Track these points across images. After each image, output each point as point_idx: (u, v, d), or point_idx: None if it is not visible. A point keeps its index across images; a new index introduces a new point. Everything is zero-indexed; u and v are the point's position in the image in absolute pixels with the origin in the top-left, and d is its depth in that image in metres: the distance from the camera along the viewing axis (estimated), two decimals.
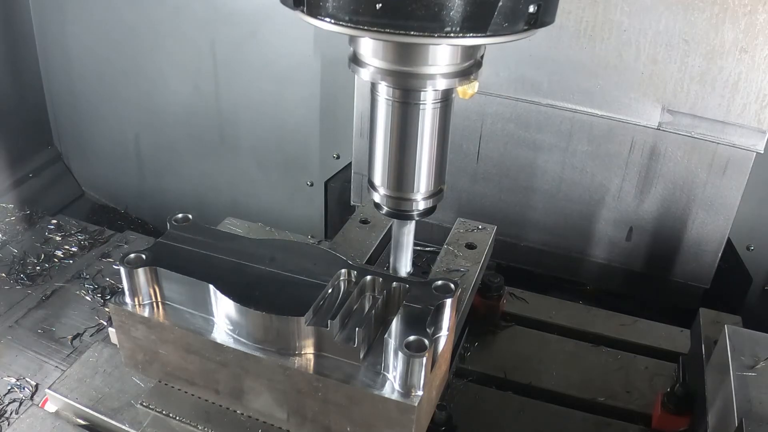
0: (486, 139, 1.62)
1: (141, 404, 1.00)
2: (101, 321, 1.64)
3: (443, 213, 1.68)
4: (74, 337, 1.58)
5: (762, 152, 1.41)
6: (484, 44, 0.77)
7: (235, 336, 0.91)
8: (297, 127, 2.05)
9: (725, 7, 1.30)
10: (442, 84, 0.78)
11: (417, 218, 0.92)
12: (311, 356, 0.88)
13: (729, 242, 1.57)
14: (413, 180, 0.87)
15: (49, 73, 2.35)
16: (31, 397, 1.43)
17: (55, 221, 2.03)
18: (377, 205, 0.93)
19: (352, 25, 0.68)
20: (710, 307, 1.26)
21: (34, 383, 1.46)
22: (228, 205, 2.29)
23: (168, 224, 1.04)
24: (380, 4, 0.65)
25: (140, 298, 0.96)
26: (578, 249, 1.67)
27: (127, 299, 0.96)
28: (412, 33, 0.67)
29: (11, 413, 1.40)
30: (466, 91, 0.81)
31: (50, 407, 1.15)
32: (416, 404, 0.81)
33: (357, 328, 0.84)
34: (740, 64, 1.34)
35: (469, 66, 0.79)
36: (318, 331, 0.86)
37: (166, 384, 1.02)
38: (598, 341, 1.33)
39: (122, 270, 0.93)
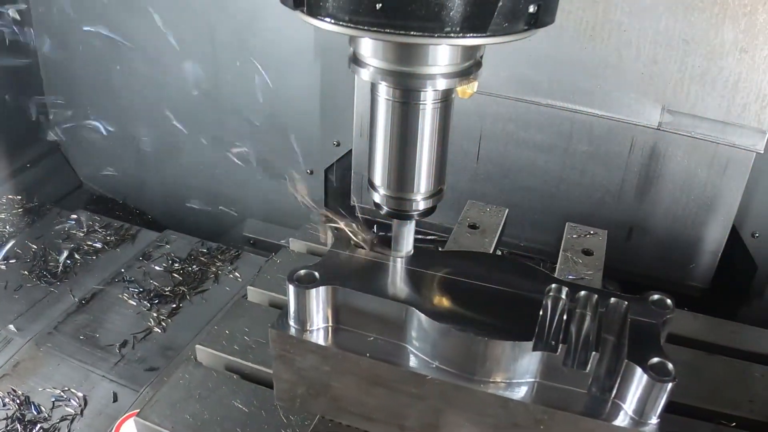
0: (486, 139, 1.62)
1: None
2: (149, 323, 1.54)
3: (443, 213, 1.68)
4: (122, 345, 1.49)
5: (762, 152, 1.41)
6: (484, 44, 0.77)
7: (435, 364, 0.80)
8: (297, 114, 2.04)
9: (725, 7, 1.30)
10: (442, 84, 0.78)
11: (417, 218, 0.92)
12: (530, 384, 0.78)
13: (734, 229, 1.57)
14: (413, 180, 0.87)
15: (47, 63, 2.34)
16: (81, 412, 1.32)
17: (74, 216, 1.96)
18: (377, 205, 0.93)
19: (352, 26, 0.68)
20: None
21: (81, 395, 1.36)
22: (227, 194, 2.29)
23: (329, 234, 0.92)
24: (380, 4, 0.65)
25: (310, 323, 0.83)
26: None
27: (292, 323, 0.83)
28: (412, 33, 0.67)
29: (67, 431, 1.29)
30: (465, 90, 0.81)
31: (128, 430, 1.06)
32: None
33: (593, 353, 0.76)
34: (740, 64, 1.34)
35: (469, 66, 0.80)
36: (541, 356, 0.77)
37: (330, 420, 0.89)
38: (710, 349, 1.29)
39: (291, 290, 0.81)
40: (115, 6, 2.11)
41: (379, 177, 0.89)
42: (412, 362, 0.81)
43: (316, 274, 0.83)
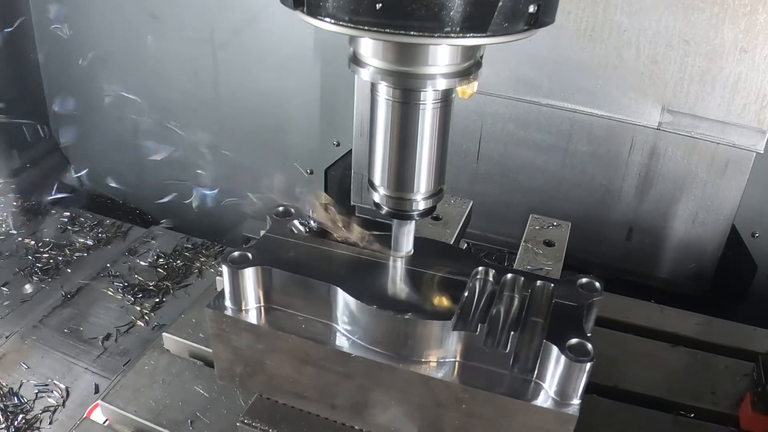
0: (486, 139, 1.62)
1: (243, 422, 0.88)
2: (132, 317, 1.56)
3: None
4: (105, 338, 1.51)
5: (762, 152, 1.41)
6: (484, 44, 0.77)
7: (362, 344, 0.82)
8: (296, 115, 2.04)
9: (725, 7, 1.30)
10: (442, 84, 0.78)
11: (417, 218, 0.92)
12: (453, 364, 0.80)
13: (734, 229, 1.57)
14: (413, 180, 0.87)
15: (48, 61, 2.34)
16: (63, 403, 1.35)
17: (68, 213, 1.98)
18: (377, 205, 0.93)
19: (352, 25, 0.68)
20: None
21: (63, 386, 1.38)
22: (227, 194, 2.29)
23: (268, 219, 0.95)
24: (380, 4, 0.65)
25: (245, 303, 0.85)
26: (577, 249, 1.67)
27: (228, 304, 0.85)
28: (412, 33, 0.67)
29: (48, 422, 1.30)
30: (465, 90, 0.81)
31: (97, 417, 1.08)
32: (577, 414, 0.74)
33: (512, 333, 0.77)
34: (740, 64, 1.34)
35: (469, 66, 0.80)
36: (464, 337, 0.78)
37: (268, 399, 0.91)
38: (675, 341, 1.29)
39: (225, 271, 0.83)
40: (115, 6, 2.11)
41: (379, 177, 0.89)
42: (339, 341, 0.83)
43: (250, 255, 0.85)
